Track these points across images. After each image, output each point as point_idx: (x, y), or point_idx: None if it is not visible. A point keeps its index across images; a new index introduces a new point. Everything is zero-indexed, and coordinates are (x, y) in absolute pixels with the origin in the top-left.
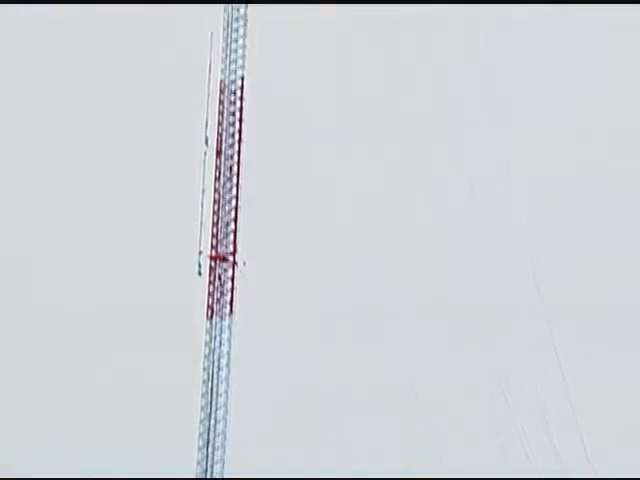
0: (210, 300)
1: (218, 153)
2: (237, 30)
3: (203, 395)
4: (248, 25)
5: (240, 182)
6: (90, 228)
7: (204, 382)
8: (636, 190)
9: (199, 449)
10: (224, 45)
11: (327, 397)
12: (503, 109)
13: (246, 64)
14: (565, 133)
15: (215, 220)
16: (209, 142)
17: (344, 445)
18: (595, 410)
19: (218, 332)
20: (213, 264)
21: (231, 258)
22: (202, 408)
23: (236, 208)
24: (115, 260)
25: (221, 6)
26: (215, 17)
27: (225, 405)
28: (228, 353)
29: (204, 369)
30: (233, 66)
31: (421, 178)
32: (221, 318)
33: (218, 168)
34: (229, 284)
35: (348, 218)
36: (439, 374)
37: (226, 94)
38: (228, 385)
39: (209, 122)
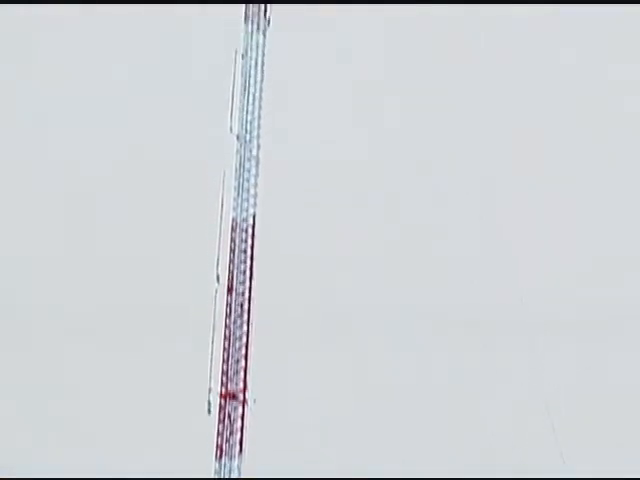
0: (219, 439)
1: (229, 290)
2: (249, 170)
3: None
4: (260, 165)
5: (251, 319)
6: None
7: None
8: (628, 201)
9: None
10: (236, 184)
11: None
12: (503, 109)
13: (258, 202)
14: (565, 134)
15: (225, 357)
16: (220, 279)
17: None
18: (575, 418)
19: (227, 473)
20: (223, 402)
21: (241, 396)
22: None
23: (247, 345)
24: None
25: None
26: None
27: None
28: None
29: None
30: (245, 204)
31: (420, 179)
32: (230, 458)
33: (229, 305)
34: (239, 422)
35: (365, 344)
36: (432, 378)
37: (237, 232)
38: None
39: (220, 259)
